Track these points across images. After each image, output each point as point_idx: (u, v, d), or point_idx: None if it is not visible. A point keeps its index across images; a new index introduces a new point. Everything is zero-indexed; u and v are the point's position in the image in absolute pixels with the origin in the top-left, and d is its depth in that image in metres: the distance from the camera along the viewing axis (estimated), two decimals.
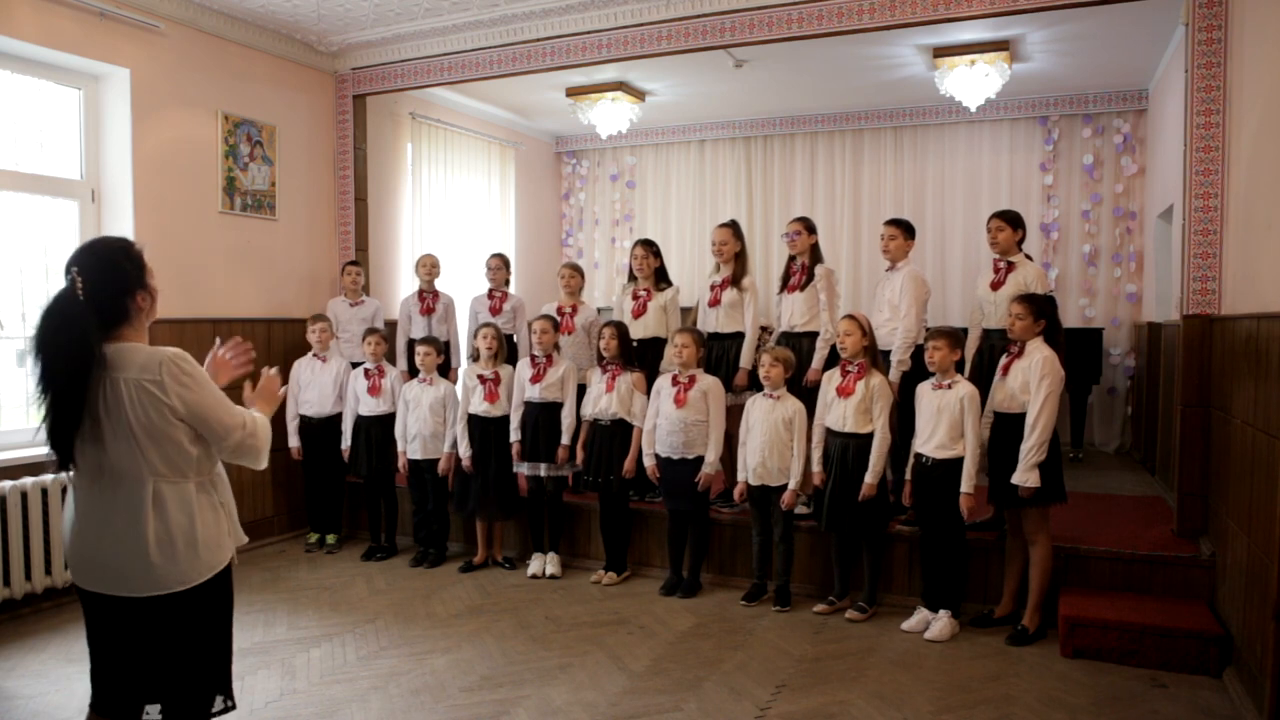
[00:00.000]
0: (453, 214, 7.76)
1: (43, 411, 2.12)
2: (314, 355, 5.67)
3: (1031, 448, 3.95)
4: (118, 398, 2.11)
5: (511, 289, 6.16)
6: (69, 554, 2.23)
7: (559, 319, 5.41)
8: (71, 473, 2.18)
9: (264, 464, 2.36)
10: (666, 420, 4.72)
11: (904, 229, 4.79)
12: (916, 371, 4.51)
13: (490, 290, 5.96)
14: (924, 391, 4.28)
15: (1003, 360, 4.18)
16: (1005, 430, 4.13)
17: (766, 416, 4.53)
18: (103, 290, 2.13)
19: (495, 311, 5.88)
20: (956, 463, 4.11)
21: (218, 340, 2.52)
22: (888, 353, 4.65)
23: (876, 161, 8.34)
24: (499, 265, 5.96)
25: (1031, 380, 3.99)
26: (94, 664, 2.28)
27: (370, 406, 5.51)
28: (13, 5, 4.47)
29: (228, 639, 2.34)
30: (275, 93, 6.03)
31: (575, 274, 5.61)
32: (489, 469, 5.17)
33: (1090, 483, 5.99)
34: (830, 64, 6.70)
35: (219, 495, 2.31)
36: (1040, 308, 4.09)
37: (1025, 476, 3.96)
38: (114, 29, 4.94)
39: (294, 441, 5.68)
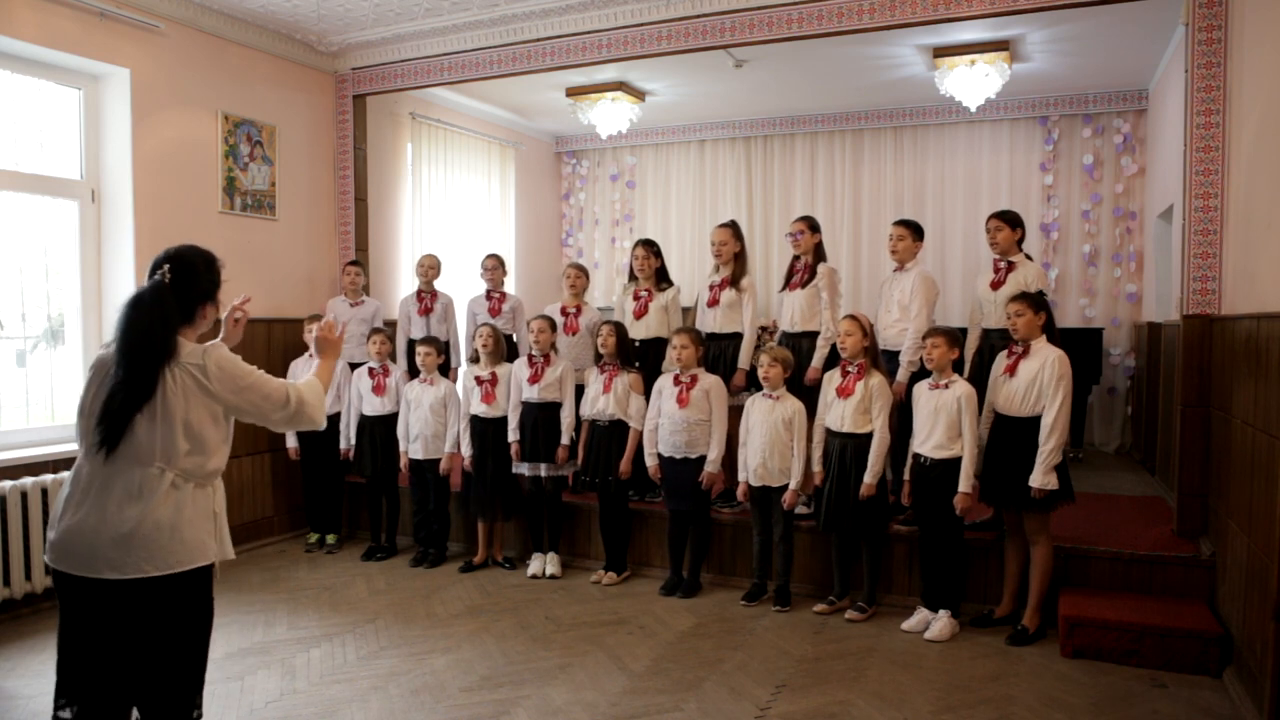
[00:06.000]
0: (453, 214, 7.76)
1: (109, 389, 2.17)
2: (311, 355, 5.66)
3: (1050, 450, 3.94)
4: (163, 386, 2.19)
5: (509, 288, 6.14)
6: (56, 532, 2.19)
7: (564, 319, 5.41)
8: (101, 453, 2.17)
9: (323, 423, 2.53)
10: (669, 420, 4.72)
11: (913, 230, 4.79)
12: (920, 371, 4.51)
13: (488, 291, 5.94)
14: (921, 391, 4.28)
15: (1007, 361, 4.17)
16: (1007, 431, 4.12)
17: (766, 417, 4.53)
18: (182, 290, 2.30)
19: (495, 313, 5.86)
20: (955, 462, 4.11)
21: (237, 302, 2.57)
22: (895, 353, 4.65)
23: (876, 161, 8.34)
24: (495, 265, 5.94)
25: (1047, 382, 3.98)
26: (64, 666, 2.20)
27: (375, 406, 5.50)
28: (13, 5, 4.47)
29: (203, 649, 2.30)
30: (275, 93, 6.03)
31: (581, 274, 5.60)
32: (488, 469, 5.18)
33: (1090, 483, 5.97)
34: (830, 64, 6.71)
35: (215, 503, 2.33)
36: (1037, 302, 4.10)
37: (1044, 480, 3.95)
38: (114, 29, 4.94)
39: (292, 442, 5.69)
